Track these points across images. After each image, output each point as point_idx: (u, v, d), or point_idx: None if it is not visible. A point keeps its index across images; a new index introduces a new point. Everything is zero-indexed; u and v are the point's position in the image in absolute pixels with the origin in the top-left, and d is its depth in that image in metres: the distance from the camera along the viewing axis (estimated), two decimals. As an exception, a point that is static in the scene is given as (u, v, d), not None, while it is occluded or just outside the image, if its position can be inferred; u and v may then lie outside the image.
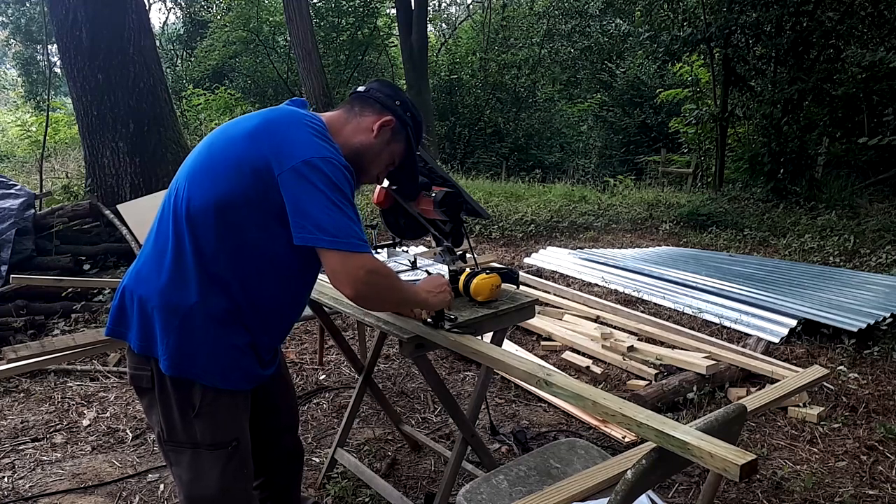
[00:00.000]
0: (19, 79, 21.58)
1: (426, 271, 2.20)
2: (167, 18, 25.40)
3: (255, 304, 1.54)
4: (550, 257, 5.93)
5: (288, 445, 1.97)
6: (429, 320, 1.81)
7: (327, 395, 3.35)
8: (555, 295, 4.75)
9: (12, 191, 4.73)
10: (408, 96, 1.75)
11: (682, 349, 3.68)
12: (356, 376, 2.75)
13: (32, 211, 4.67)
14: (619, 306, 4.40)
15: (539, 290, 4.90)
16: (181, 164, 1.60)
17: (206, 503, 1.60)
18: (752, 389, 3.24)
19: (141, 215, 4.91)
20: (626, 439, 2.84)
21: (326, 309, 2.30)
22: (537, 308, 2.45)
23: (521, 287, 2.35)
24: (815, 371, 2.03)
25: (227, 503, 1.62)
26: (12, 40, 21.19)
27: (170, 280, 1.49)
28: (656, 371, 3.46)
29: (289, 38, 13.67)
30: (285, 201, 1.42)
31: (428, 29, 15.90)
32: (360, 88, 1.71)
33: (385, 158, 1.69)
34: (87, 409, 3.15)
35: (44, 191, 5.70)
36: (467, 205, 2.11)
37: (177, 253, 1.49)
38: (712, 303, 4.42)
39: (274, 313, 1.60)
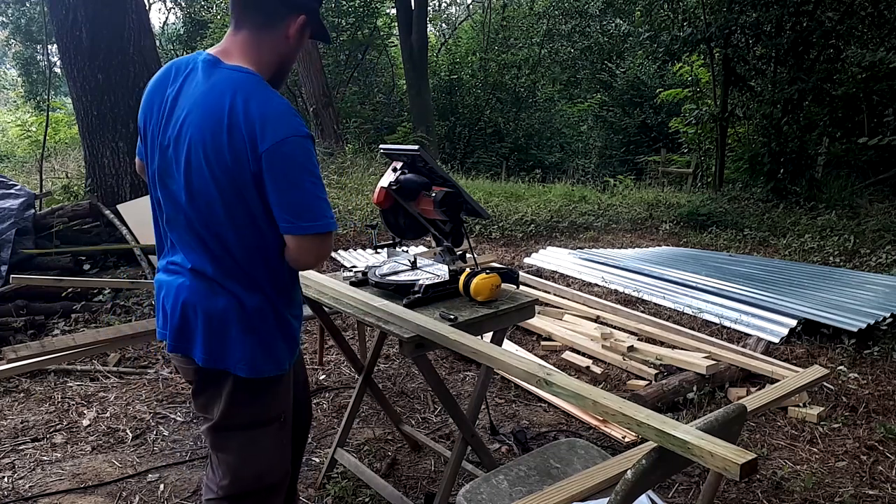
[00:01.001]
0: (19, 79, 21.57)
1: (427, 271, 2.20)
2: (167, 18, 25.39)
3: (275, 282, 1.57)
4: (550, 257, 5.93)
5: (305, 419, 2.00)
6: None
7: (327, 395, 3.35)
8: (555, 295, 4.75)
9: (12, 191, 4.73)
10: None
11: (682, 349, 3.68)
12: (356, 376, 2.75)
13: (32, 211, 4.67)
14: (619, 306, 4.40)
15: (539, 290, 4.90)
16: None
17: (256, 479, 1.65)
18: (752, 389, 3.24)
19: (141, 215, 4.91)
20: (626, 439, 2.84)
21: (326, 309, 2.30)
22: (537, 308, 2.45)
23: (521, 287, 2.35)
24: (815, 371, 2.03)
25: (274, 475, 1.68)
26: (12, 40, 21.18)
27: (202, 284, 1.52)
28: (656, 371, 3.46)
29: (288, 38, 13.62)
30: (267, 182, 1.46)
31: (428, 29, 15.91)
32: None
33: (300, 47, 1.64)
34: (87, 409, 3.15)
35: (44, 191, 5.70)
36: (467, 205, 2.11)
37: (203, 260, 1.52)
38: (712, 303, 4.42)
39: (286, 274, 1.62)
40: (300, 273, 1.77)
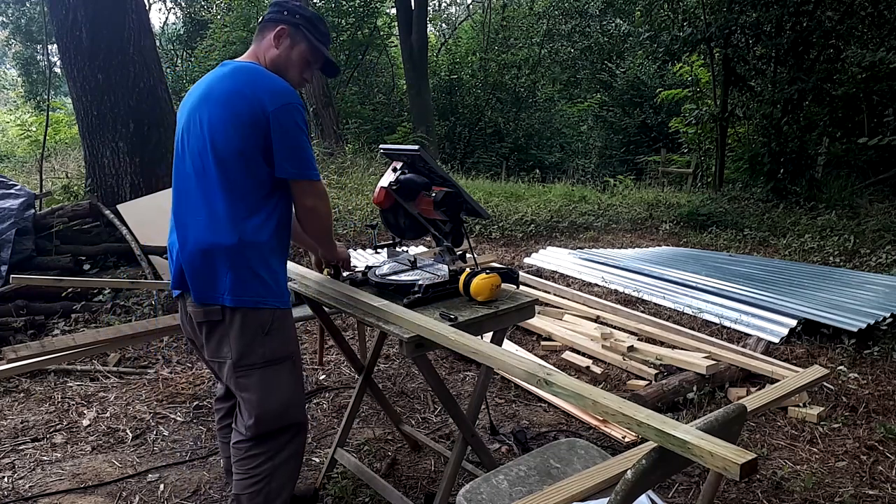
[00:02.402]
0: (19, 79, 21.58)
1: (427, 271, 2.20)
2: (167, 18, 25.40)
3: (281, 222, 1.87)
4: (550, 257, 5.93)
5: None
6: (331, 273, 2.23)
7: (327, 395, 3.35)
8: (555, 295, 4.75)
9: (12, 191, 4.72)
10: (296, 2, 2.01)
11: (682, 349, 3.68)
12: (356, 376, 2.75)
13: (32, 211, 4.66)
14: (619, 306, 4.40)
15: (539, 290, 4.90)
16: (179, 129, 1.92)
17: (279, 416, 1.86)
18: (752, 389, 3.24)
19: (141, 215, 4.91)
20: (626, 439, 2.84)
21: (326, 309, 2.30)
22: (537, 308, 2.45)
23: (521, 287, 2.36)
24: (815, 371, 2.03)
25: (294, 409, 1.90)
26: (12, 40, 21.18)
27: (210, 227, 1.78)
28: (656, 371, 3.46)
29: (289, 38, 13.62)
30: (273, 140, 1.80)
31: (428, 29, 15.90)
32: (261, 19, 2.02)
33: (296, 60, 1.97)
34: (87, 409, 3.15)
35: (44, 191, 5.69)
36: (467, 205, 2.11)
37: (213, 201, 1.79)
38: (712, 303, 4.42)
39: (288, 226, 1.94)
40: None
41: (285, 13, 1.95)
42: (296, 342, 1.93)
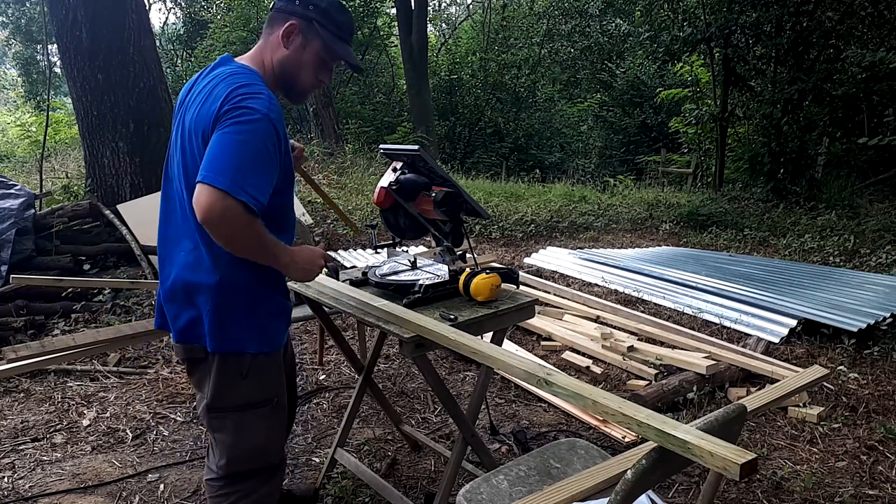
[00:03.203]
0: (19, 79, 21.58)
1: (427, 271, 2.20)
2: (167, 18, 25.40)
3: (269, 270, 1.62)
4: (550, 257, 5.93)
5: (290, 402, 2.03)
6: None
7: (327, 395, 3.35)
8: (555, 295, 4.75)
9: (12, 191, 4.73)
10: None
11: (682, 349, 3.68)
12: (356, 376, 2.74)
13: (32, 211, 4.66)
14: (619, 306, 4.40)
15: (539, 290, 4.90)
16: (168, 155, 1.71)
17: (250, 460, 1.71)
18: (752, 389, 3.24)
19: (141, 215, 4.91)
20: (626, 439, 2.84)
21: (326, 309, 2.30)
22: (537, 308, 2.45)
23: (521, 287, 2.35)
24: (815, 371, 2.03)
25: (268, 457, 1.74)
26: (12, 40, 21.19)
27: (190, 265, 1.60)
28: (656, 371, 3.46)
29: (289, 38, 13.63)
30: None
31: (428, 29, 15.90)
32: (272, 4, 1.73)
33: (309, 62, 1.70)
34: (87, 409, 3.15)
35: (44, 191, 5.70)
36: (467, 205, 2.11)
37: (190, 237, 1.60)
38: (712, 303, 4.42)
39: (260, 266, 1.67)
40: None
41: (297, 3, 1.67)
42: (279, 385, 1.74)
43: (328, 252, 2.01)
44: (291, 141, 1.83)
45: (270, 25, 1.69)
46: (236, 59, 1.70)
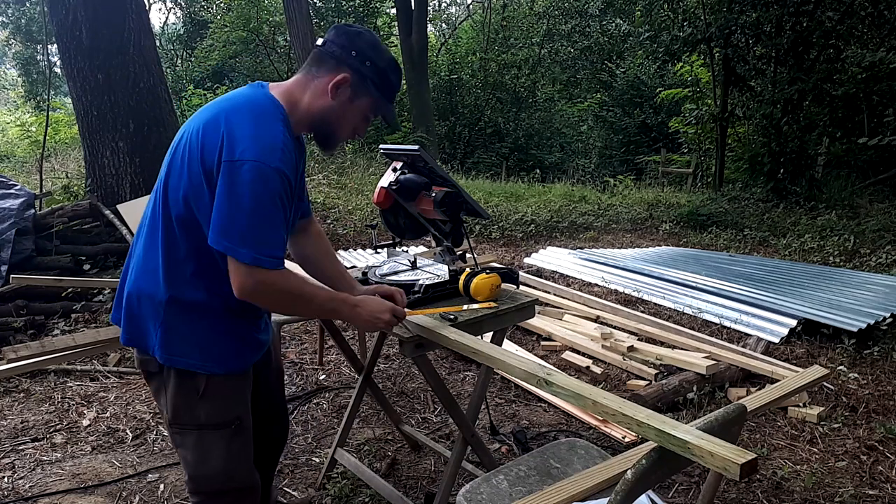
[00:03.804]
0: (19, 79, 21.59)
1: (427, 271, 2.20)
2: (167, 18, 25.41)
3: (232, 295, 1.50)
4: (550, 257, 5.93)
5: (277, 433, 1.98)
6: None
7: (327, 395, 3.35)
8: (555, 295, 4.75)
9: (12, 191, 4.73)
10: (369, 38, 1.59)
11: (682, 349, 3.68)
12: (356, 376, 2.74)
13: (32, 211, 4.66)
14: (619, 306, 4.40)
15: (539, 290, 4.90)
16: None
17: (211, 481, 1.65)
18: (752, 389, 3.24)
19: (141, 215, 4.91)
20: (626, 439, 2.84)
21: (326, 309, 2.30)
22: (537, 308, 2.45)
23: (521, 287, 2.35)
24: (815, 371, 2.03)
25: (230, 481, 1.66)
26: (12, 40, 21.19)
27: (147, 274, 1.54)
28: (656, 371, 3.46)
29: (289, 38, 13.66)
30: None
31: (428, 29, 15.91)
32: (319, 41, 1.59)
33: (352, 117, 1.61)
34: (87, 409, 3.15)
35: (44, 191, 5.70)
36: (467, 205, 2.11)
37: (153, 248, 1.54)
38: (712, 303, 4.42)
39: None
40: None
41: (354, 54, 1.54)
42: (241, 407, 1.65)
43: (398, 295, 1.81)
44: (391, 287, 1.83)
45: (318, 66, 1.56)
46: (270, 89, 1.57)
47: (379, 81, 1.58)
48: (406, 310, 1.78)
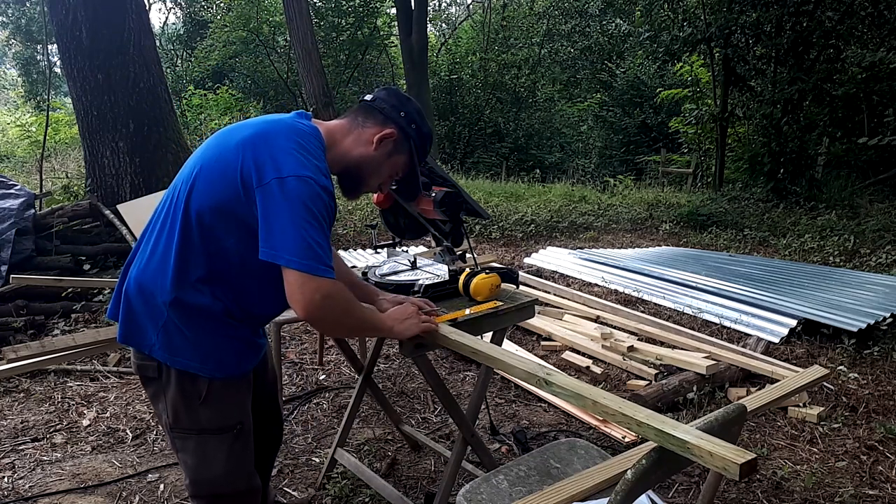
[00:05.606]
0: (19, 79, 21.60)
1: (427, 271, 2.20)
2: (167, 18, 25.42)
3: (238, 303, 1.57)
4: (550, 257, 5.93)
5: (274, 433, 2.00)
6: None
7: (327, 395, 3.35)
8: (555, 295, 4.75)
9: (12, 191, 4.73)
10: (416, 106, 1.72)
11: (682, 349, 3.68)
12: (356, 376, 2.74)
13: (32, 211, 4.67)
14: (619, 306, 4.40)
15: (539, 290, 4.90)
16: (183, 165, 1.64)
17: (212, 485, 1.66)
18: (752, 389, 3.24)
19: (141, 215, 4.91)
20: (626, 439, 2.84)
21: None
22: (537, 308, 2.45)
23: (521, 287, 2.35)
24: (815, 371, 2.03)
25: (231, 484, 1.68)
26: (12, 40, 21.20)
27: (153, 273, 1.54)
28: (656, 371, 3.46)
29: (289, 38, 13.67)
30: (258, 215, 1.44)
31: (428, 29, 15.91)
32: (368, 97, 1.70)
33: (386, 170, 1.70)
34: (87, 409, 3.15)
35: (44, 191, 5.70)
36: (467, 205, 2.10)
37: (165, 249, 1.53)
38: (712, 303, 4.42)
39: (257, 307, 1.64)
40: None
41: (402, 115, 1.66)
42: (242, 411, 1.66)
43: (422, 300, 1.88)
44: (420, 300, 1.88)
45: (364, 117, 1.66)
46: (315, 121, 1.62)
47: (419, 144, 1.70)
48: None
